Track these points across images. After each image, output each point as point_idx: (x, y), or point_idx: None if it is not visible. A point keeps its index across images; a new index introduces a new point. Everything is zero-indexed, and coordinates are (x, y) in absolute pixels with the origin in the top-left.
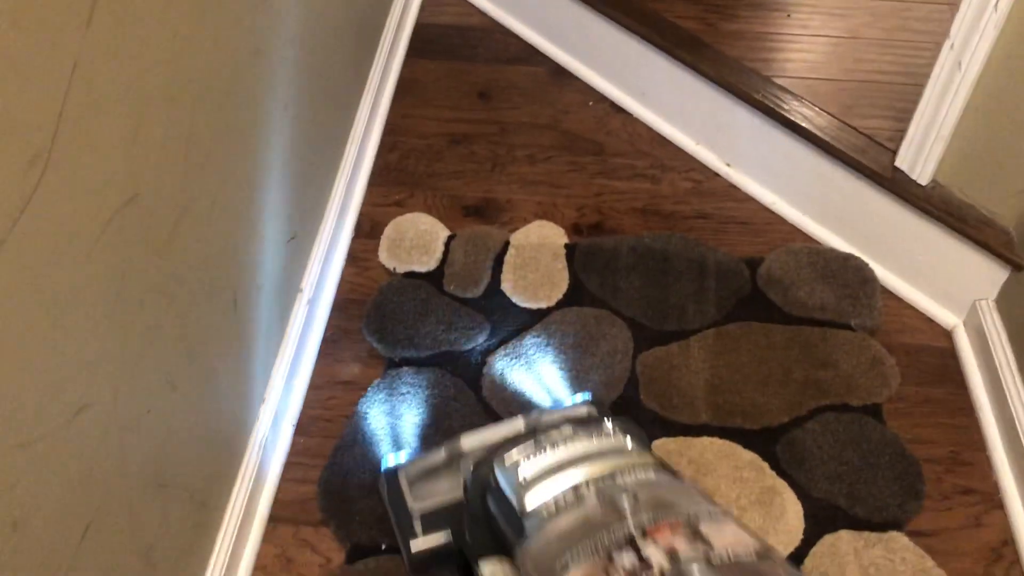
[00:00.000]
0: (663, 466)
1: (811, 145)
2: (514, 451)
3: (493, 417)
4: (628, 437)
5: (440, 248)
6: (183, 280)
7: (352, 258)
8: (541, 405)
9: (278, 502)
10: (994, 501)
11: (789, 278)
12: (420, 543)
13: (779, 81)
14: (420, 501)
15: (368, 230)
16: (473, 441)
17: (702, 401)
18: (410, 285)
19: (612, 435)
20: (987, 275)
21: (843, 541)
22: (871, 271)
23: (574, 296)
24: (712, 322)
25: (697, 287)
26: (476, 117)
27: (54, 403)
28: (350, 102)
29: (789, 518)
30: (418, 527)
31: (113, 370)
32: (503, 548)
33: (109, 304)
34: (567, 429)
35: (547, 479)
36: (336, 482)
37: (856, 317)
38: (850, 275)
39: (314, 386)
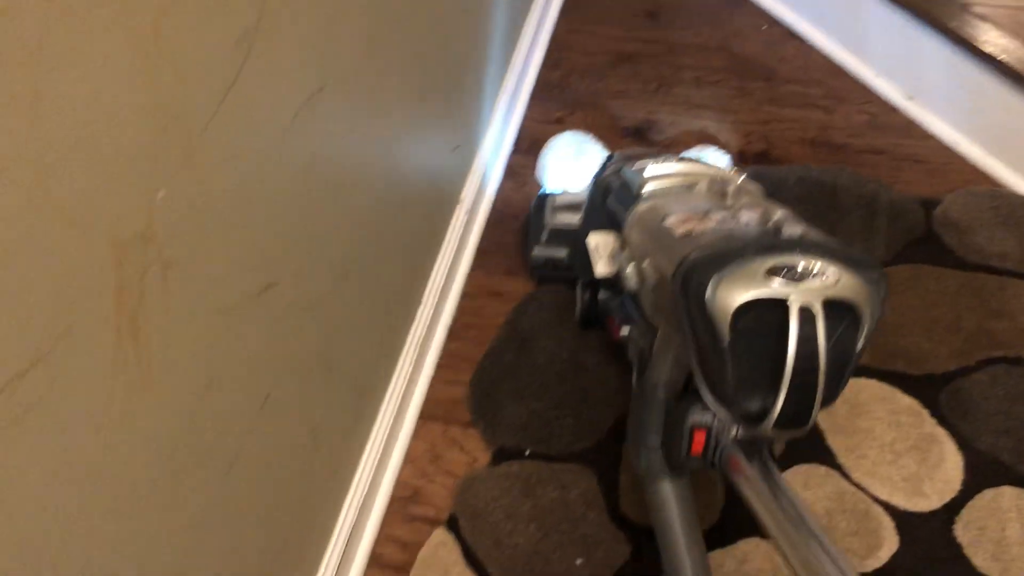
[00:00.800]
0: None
1: (1007, 80)
2: (649, 157)
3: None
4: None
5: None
6: (359, 175)
7: (510, 173)
8: None
9: (429, 400)
10: None
11: (967, 222)
12: (540, 250)
13: (978, 9)
14: (554, 220)
15: (527, 146)
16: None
17: None
18: None
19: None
20: None
21: (1005, 497)
22: None
23: None
24: (880, 262)
25: (866, 224)
26: (644, 36)
27: (246, 278)
28: (518, 17)
29: (947, 467)
30: (544, 237)
31: (297, 253)
32: (608, 222)
33: (295, 193)
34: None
35: (667, 178)
36: (485, 387)
37: None
38: None
39: (466, 294)
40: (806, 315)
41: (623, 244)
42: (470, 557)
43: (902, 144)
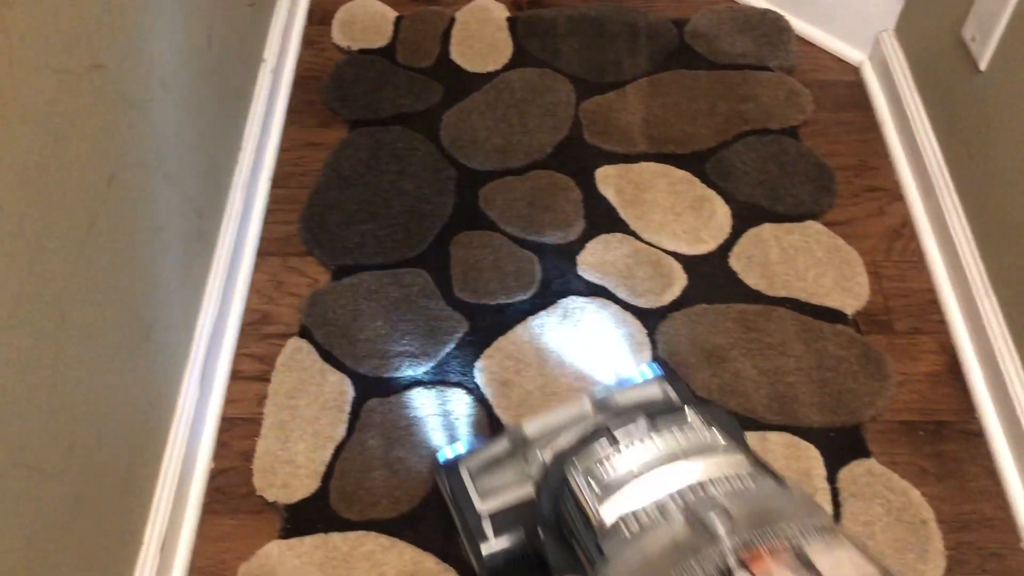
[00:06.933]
0: (760, 465)
1: None
2: (592, 448)
3: (454, 166)
4: (715, 429)
5: (391, 28)
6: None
7: (307, 42)
8: (606, 383)
9: (264, 240)
10: (895, 195)
11: (713, 32)
12: (493, 546)
13: None
14: (488, 500)
15: (319, 18)
16: (536, 427)
17: (639, 134)
18: (366, 59)
19: (698, 429)
20: (886, 5)
21: (765, 231)
22: (786, 21)
23: (518, 60)
24: (645, 72)
25: (631, 45)
26: None
27: (75, 48)
28: None
29: (718, 218)
30: (488, 529)
31: (124, 39)
32: (578, 559)
33: None
34: (643, 423)
35: (626, 486)
36: (315, 219)
37: (773, 60)
38: (767, 26)
39: (284, 148)
40: None
41: None
42: (325, 355)
43: None
